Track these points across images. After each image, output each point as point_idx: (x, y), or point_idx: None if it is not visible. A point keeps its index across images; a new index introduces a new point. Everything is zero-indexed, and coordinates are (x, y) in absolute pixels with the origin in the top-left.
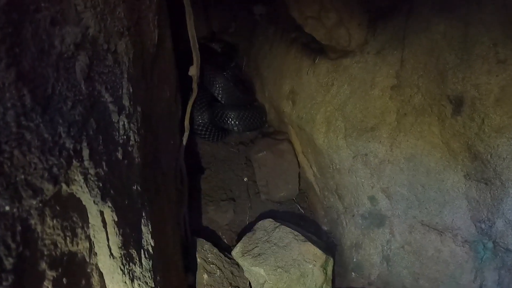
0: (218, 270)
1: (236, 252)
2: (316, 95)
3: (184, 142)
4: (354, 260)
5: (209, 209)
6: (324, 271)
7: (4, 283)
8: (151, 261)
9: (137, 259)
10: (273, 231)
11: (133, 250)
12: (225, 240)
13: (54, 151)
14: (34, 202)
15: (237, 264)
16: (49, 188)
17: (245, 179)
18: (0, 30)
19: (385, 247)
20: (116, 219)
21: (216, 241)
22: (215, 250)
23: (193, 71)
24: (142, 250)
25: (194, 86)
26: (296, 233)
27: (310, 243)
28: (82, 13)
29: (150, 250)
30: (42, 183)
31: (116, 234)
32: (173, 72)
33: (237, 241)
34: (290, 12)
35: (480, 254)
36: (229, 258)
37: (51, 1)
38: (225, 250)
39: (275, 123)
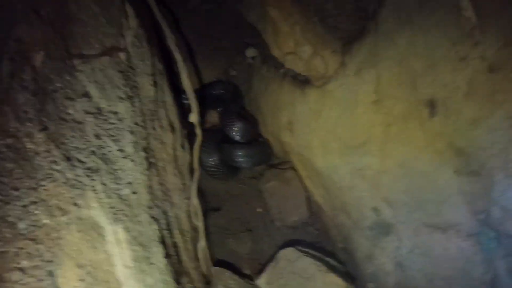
0: None
1: (261, 283)
2: (310, 122)
3: (195, 182)
4: (369, 271)
5: (229, 241)
6: None
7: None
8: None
9: (150, 272)
10: (296, 261)
11: (144, 264)
12: (247, 269)
13: (76, 185)
14: (64, 219)
15: None
16: (73, 210)
17: (259, 210)
18: (32, 107)
19: (396, 254)
20: (128, 238)
21: (239, 270)
22: (236, 277)
23: (193, 118)
24: (153, 265)
25: (198, 131)
26: (318, 263)
27: (332, 274)
28: (86, 86)
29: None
30: (68, 206)
31: (128, 249)
32: (177, 121)
33: (261, 270)
34: (271, 52)
35: (486, 245)
36: (251, 284)
37: (64, 82)
38: (248, 278)
39: (280, 154)
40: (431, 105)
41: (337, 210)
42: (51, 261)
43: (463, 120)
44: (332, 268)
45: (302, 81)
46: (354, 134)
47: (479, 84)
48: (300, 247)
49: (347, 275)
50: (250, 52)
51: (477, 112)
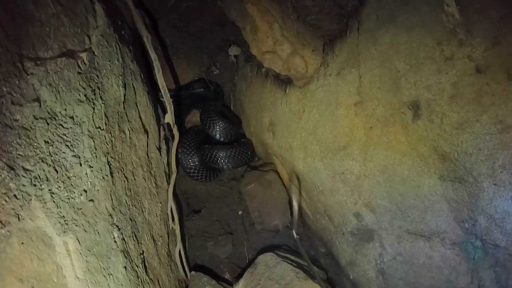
0: None
1: None
2: (291, 123)
3: (172, 184)
4: (351, 277)
5: (208, 244)
6: None
7: None
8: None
9: (106, 284)
10: (275, 267)
11: (100, 275)
12: (227, 273)
13: (18, 196)
14: (3, 231)
15: None
16: (14, 222)
17: (240, 213)
18: None
19: (378, 261)
20: (79, 249)
21: (217, 274)
22: (214, 282)
23: (168, 118)
24: (111, 276)
25: (175, 131)
26: (297, 270)
27: (310, 281)
28: (38, 90)
29: (121, 277)
30: (8, 218)
31: (80, 261)
32: (153, 122)
33: (240, 274)
34: (251, 50)
35: (471, 254)
36: None
37: (12, 87)
38: (226, 282)
39: (262, 155)
40: (415, 107)
41: (319, 214)
42: None
43: (449, 124)
44: (311, 275)
45: (284, 81)
46: (335, 137)
47: (465, 86)
48: (279, 252)
49: (328, 282)
50: (233, 51)
51: (463, 115)
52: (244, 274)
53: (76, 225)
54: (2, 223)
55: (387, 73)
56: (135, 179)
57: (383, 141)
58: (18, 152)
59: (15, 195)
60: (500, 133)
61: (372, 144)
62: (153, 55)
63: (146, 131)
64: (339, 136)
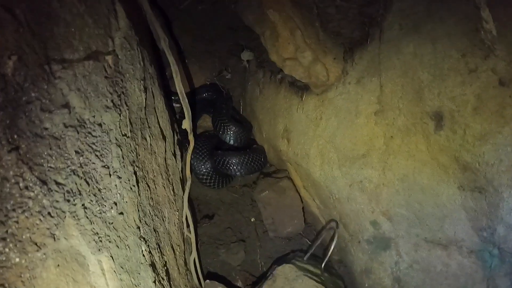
0: None
1: None
2: (308, 131)
3: (187, 192)
4: (366, 285)
5: (221, 252)
6: None
7: None
8: None
9: None
10: (295, 280)
11: None
12: (239, 281)
13: (53, 214)
14: (39, 254)
15: None
16: (50, 243)
17: (252, 220)
18: (0, 123)
19: (394, 269)
20: (113, 267)
21: (230, 283)
22: None
23: (185, 124)
24: None
25: (190, 137)
26: (318, 285)
27: None
28: (67, 96)
29: None
30: (44, 239)
31: (115, 279)
32: (169, 127)
33: (255, 282)
34: (270, 56)
35: (488, 262)
36: None
37: (41, 92)
38: None
39: (275, 161)
40: (438, 118)
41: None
42: None
43: (471, 134)
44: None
45: (300, 88)
46: (354, 145)
47: (488, 98)
48: (297, 263)
49: None
50: (246, 55)
51: (486, 127)
52: (263, 286)
53: (110, 242)
54: (37, 245)
55: (410, 83)
56: (156, 188)
57: (403, 150)
58: (49, 165)
59: (49, 213)
60: None
61: (392, 153)
62: (171, 59)
63: (164, 137)
64: (358, 144)
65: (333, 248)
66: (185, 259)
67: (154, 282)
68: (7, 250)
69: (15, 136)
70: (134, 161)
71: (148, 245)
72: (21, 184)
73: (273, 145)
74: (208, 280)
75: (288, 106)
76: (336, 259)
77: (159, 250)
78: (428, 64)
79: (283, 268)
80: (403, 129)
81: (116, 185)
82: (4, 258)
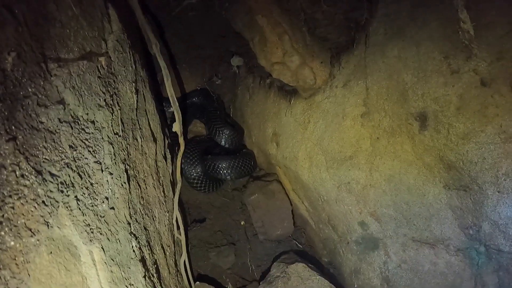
0: None
1: None
2: (296, 134)
3: (177, 194)
4: (356, 286)
5: (211, 255)
6: None
7: None
8: None
9: None
10: (309, 279)
11: (123, 286)
12: (229, 283)
13: (47, 202)
14: (33, 240)
15: None
16: (43, 230)
17: (242, 223)
18: None
19: (383, 269)
20: (104, 258)
21: (221, 285)
22: None
23: (176, 127)
24: (132, 287)
25: (181, 140)
26: (332, 285)
27: None
28: (62, 93)
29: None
30: (38, 226)
31: (105, 271)
32: (159, 130)
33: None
34: (258, 61)
35: (475, 259)
36: None
37: (38, 87)
38: None
39: (264, 165)
40: (422, 118)
41: (323, 224)
42: None
43: (455, 134)
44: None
45: (289, 92)
46: (341, 147)
47: (471, 98)
48: (309, 264)
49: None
50: (236, 61)
51: (469, 126)
52: (276, 283)
53: (101, 234)
54: (31, 231)
55: (395, 85)
56: (146, 187)
57: (389, 151)
58: (44, 156)
59: (43, 201)
60: (503, 142)
61: (378, 154)
62: (162, 63)
63: (155, 139)
64: (345, 146)
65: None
66: (175, 260)
67: (144, 277)
68: (2, 233)
69: (13, 127)
70: (125, 160)
71: (139, 242)
72: (17, 172)
73: (262, 149)
74: (198, 282)
75: (277, 110)
76: (326, 261)
77: (149, 248)
78: (412, 67)
79: (296, 267)
80: (389, 130)
81: (107, 181)
82: (0, 241)
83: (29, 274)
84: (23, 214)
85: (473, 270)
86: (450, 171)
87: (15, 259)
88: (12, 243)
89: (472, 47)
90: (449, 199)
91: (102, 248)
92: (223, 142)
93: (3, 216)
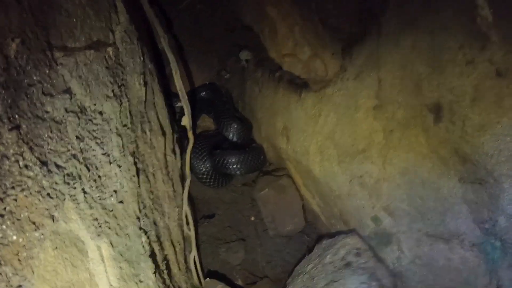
0: None
1: None
2: (307, 128)
3: (186, 189)
4: None
5: (221, 251)
6: None
7: None
8: None
9: None
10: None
11: (132, 283)
12: (239, 280)
13: (52, 195)
14: (37, 234)
15: None
16: (48, 224)
17: (252, 218)
18: (2, 102)
19: (396, 265)
20: (113, 254)
21: (231, 281)
22: None
23: (185, 121)
24: (142, 283)
25: (190, 135)
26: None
27: None
28: (69, 82)
29: (151, 284)
30: (42, 219)
31: (114, 267)
32: (168, 124)
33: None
34: (269, 54)
35: (490, 254)
36: None
37: (43, 76)
38: None
39: (274, 160)
40: (437, 110)
41: (335, 219)
42: (20, 286)
43: (470, 126)
44: None
45: (299, 85)
46: (353, 140)
47: (486, 89)
48: None
49: None
50: (244, 55)
51: (484, 118)
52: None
53: (109, 228)
54: (35, 225)
55: (409, 76)
56: (155, 182)
57: (403, 144)
58: (49, 147)
59: (48, 194)
60: None
61: (392, 147)
62: (170, 57)
63: (163, 133)
64: (358, 139)
65: None
66: (185, 256)
67: (154, 273)
68: (4, 227)
69: (16, 116)
70: (134, 152)
71: (148, 237)
72: (20, 163)
73: (272, 143)
74: (208, 279)
75: (287, 104)
76: None
77: (159, 243)
78: (426, 57)
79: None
80: (403, 123)
81: (116, 174)
82: (1, 235)
83: (32, 271)
84: (26, 207)
85: (488, 265)
86: (465, 164)
87: (17, 255)
88: (15, 237)
89: (491, 35)
90: (464, 192)
91: (110, 243)
92: (231, 136)
93: (5, 208)
